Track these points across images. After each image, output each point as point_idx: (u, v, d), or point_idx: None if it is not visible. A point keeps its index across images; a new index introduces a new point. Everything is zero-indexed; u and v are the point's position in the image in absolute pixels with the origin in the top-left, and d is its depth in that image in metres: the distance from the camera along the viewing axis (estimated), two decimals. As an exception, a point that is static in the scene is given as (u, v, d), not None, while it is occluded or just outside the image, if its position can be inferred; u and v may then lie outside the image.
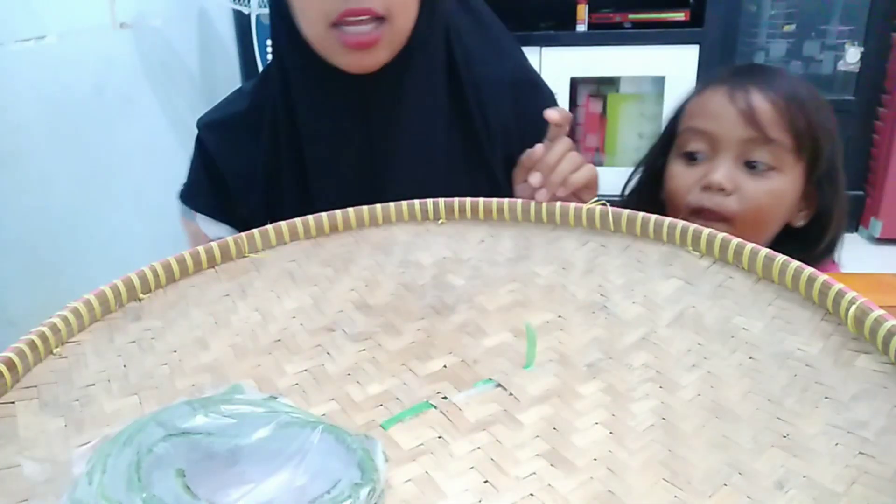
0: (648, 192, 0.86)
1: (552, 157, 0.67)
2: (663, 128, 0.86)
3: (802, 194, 0.77)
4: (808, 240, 0.79)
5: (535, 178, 0.66)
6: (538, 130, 0.73)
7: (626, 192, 0.90)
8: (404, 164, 0.74)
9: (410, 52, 0.71)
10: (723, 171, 0.75)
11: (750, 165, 0.75)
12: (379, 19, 0.65)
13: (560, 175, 0.66)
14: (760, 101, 0.74)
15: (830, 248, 0.80)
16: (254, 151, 0.77)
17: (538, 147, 0.68)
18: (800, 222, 0.79)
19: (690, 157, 0.78)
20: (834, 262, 0.83)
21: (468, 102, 0.76)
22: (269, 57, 1.82)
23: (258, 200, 0.76)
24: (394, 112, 0.73)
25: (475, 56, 0.77)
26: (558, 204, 0.64)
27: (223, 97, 0.83)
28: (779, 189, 0.75)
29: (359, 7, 0.63)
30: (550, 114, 0.67)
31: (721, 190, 0.74)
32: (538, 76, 0.84)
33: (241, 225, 0.75)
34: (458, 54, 0.75)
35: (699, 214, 0.77)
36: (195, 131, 0.81)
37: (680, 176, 0.79)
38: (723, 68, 0.83)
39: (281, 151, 0.75)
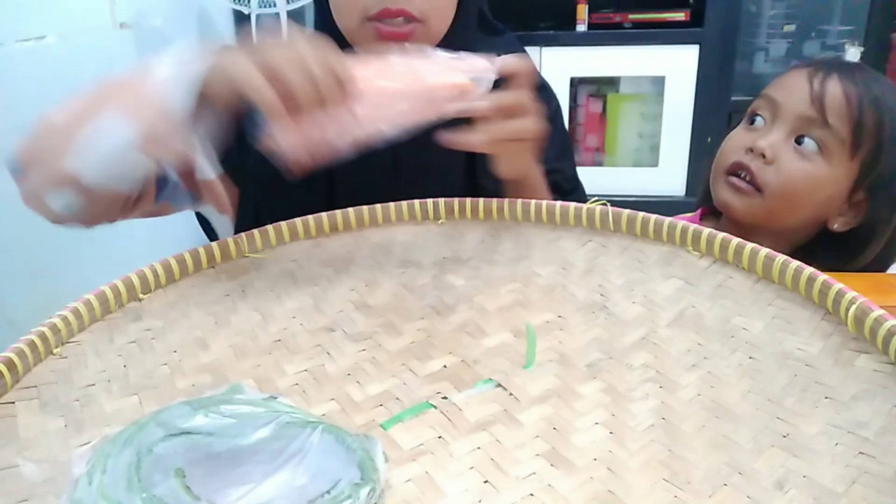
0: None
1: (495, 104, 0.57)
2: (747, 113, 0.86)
3: (849, 198, 0.76)
4: (847, 249, 0.78)
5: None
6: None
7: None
8: (424, 164, 0.74)
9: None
10: (771, 139, 0.75)
11: (799, 143, 0.75)
12: (414, 20, 0.66)
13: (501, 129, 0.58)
14: (835, 88, 0.74)
15: (879, 265, 0.79)
16: None
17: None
18: (837, 226, 0.77)
19: (751, 122, 0.80)
20: None
21: None
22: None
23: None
24: None
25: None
26: (558, 204, 0.64)
27: None
28: (818, 175, 0.74)
29: (395, 7, 0.64)
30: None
31: (762, 156, 0.75)
32: (540, 76, 0.84)
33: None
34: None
35: (731, 177, 0.78)
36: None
37: (734, 137, 0.81)
38: (820, 57, 0.84)
39: None
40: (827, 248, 0.78)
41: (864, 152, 0.74)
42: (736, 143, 0.79)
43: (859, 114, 0.73)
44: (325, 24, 0.72)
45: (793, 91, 0.76)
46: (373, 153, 0.74)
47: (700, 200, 0.90)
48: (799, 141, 0.75)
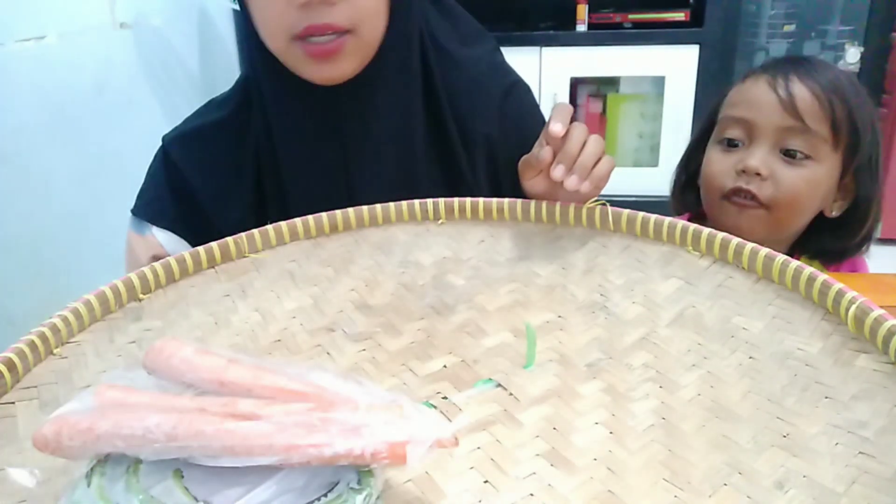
0: (689, 183, 0.87)
1: (573, 146, 0.58)
2: (706, 116, 0.87)
3: (839, 184, 0.78)
4: (844, 229, 0.79)
5: (557, 172, 0.57)
6: (522, 131, 0.71)
7: (672, 189, 0.90)
8: (379, 177, 0.72)
9: (382, 61, 0.68)
10: (759, 156, 0.76)
11: (786, 153, 0.76)
12: (344, 31, 0.63)
13: (585, 165, 0.58)
14: (801, 90, 0.75)
15: (867, 238, 0.81)
16: (234, 160, 0.74)
17: (553, 128, 0.57)
18: (834, 213, 0.79)
19: (728, 144, 0.80)
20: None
21: (443, 110, 0.73)
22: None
23: (242, 209, 0.73)
24: (367, 124, 0.70)
25: (449, 60, 0.74)
26: (558, 204, 0.64)
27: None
28: (814, 177, 0.75)
29: (321, 22, 0.61)
30: (554, 128, 0.57)
31: (757, 175, 0.76)
32: (514, 72, 0.81)
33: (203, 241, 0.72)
34: (432, 59, 0.73)
35: (733, 198, 0.78)
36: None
37: (717, 161, 0.80)
38: (767, 60, 0.85)
39: (262, 160, 0.73)
40: (820, 233, 0.80)
41: (844, 141, 0.75)
42: (722, 168, 0.79)
43: (831, 109, 0.74)
44: (253, 46, 0.69)
45: (761, 105, 0.76)
46: (325, 177, 0.72)
47: (679, 207, 0.90)
48: (787, 153, 0.76)
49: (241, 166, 0.74)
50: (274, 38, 0.65)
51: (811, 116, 0.74)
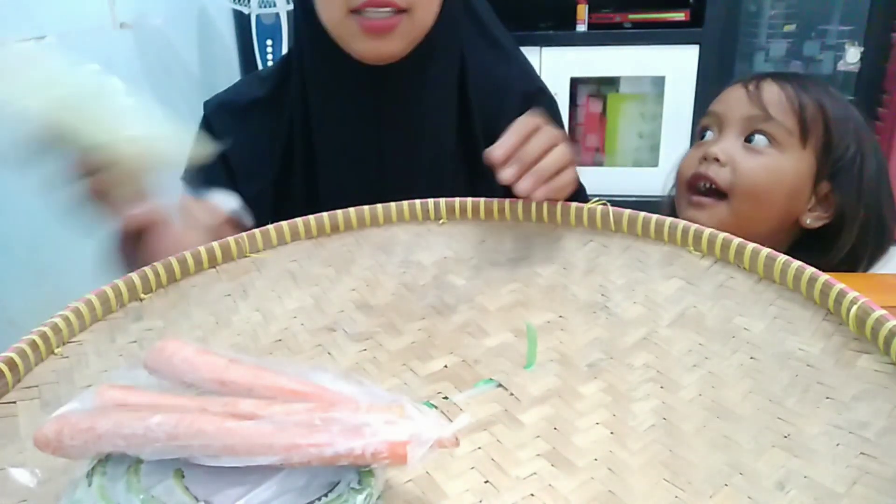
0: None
1: (530, 150, 0.57)
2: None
3: (815, 192, 0.77)
4: (824, 247, 0.78)
5: (506, 174, 0.56)
6: None
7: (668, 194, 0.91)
8: (410, 163, 0.74)
9: (427, 50, 0.70)
10: (721, 144, 0.77)
11: (750, 141, 0.77)
12: (399, 10, 0.65)
13: (541, 173, 0.57)
14: (770, 86, 0.77)
15: (852, 261, 0.78)
16: (265, 137, 0.76)
17: (513, 129, 0.57)
18: (809, 221, 0.78)
19: (701, 138, 0.82)
20: None
21: (472, 108, 0.76)
22: (269, 57, 1.82)
23: (263, 187, 0.76)
24: (406, 109, 0.73)
25: (480, 61, 0.77)
26: (559, 204, 0.64)
27: None
28: (776, 166, 0.75)
29: None
30: (495, 153, 0.56)
31: (716, 161, 0.77)
32: (540, 80, 0.83)
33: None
34: (467, 55, 0.75)
35: (694, 186, 0.79)
36: (194, 131, 0.81)
37: (688, 154, 0.83)
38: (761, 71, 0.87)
39: (294, 138, 0.75)
40: (802, 249, 0.78)
41: (814, 140, 0.75)
42: (690, 159, 0.81)
43: (799, 104, 0.75)
44: (302, 22, 0.72)
45: (731, 100, 0.79)
46: (357, 159, 0.74)
47: (668, 212, 0.90)
48: (749, 139, 0.77)
49: (271, 145, 0.76)
50: (331, 9, 0.66)
51: (776, 107, 0.75)
